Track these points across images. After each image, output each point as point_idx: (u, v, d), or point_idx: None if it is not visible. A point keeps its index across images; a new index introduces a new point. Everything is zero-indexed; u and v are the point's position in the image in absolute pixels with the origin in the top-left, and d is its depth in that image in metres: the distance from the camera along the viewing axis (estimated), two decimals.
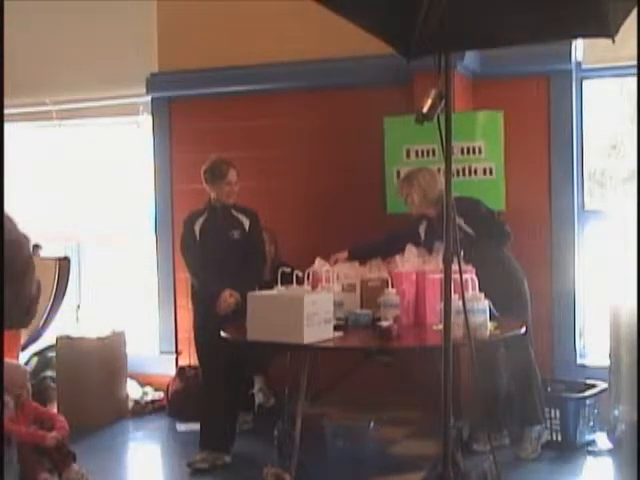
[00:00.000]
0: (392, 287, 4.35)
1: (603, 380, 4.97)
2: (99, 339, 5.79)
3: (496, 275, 4.55)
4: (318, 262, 4.68)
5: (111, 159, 6.60)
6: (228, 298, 4.71)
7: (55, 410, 5.44)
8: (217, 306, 4.70)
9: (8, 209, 4.31)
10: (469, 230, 4.59)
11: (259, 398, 5.64)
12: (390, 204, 5.37)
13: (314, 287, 4.43)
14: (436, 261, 4.34)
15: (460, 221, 4.57)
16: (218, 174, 4.84)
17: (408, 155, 5.34)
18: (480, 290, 4.02)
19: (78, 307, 6.41)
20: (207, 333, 4.69)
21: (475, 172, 5.19)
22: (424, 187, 4.72)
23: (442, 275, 3.27)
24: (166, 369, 6.15)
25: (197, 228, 4.88)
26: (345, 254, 4.87)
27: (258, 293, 4.27)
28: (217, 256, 4.79)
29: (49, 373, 5.96)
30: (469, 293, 3.87)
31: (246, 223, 4.88)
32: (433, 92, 3.08)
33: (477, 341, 3.75)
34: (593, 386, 5.03)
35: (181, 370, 5.97)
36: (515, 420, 4.88)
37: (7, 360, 4.00)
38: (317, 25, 5.22)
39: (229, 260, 4.78)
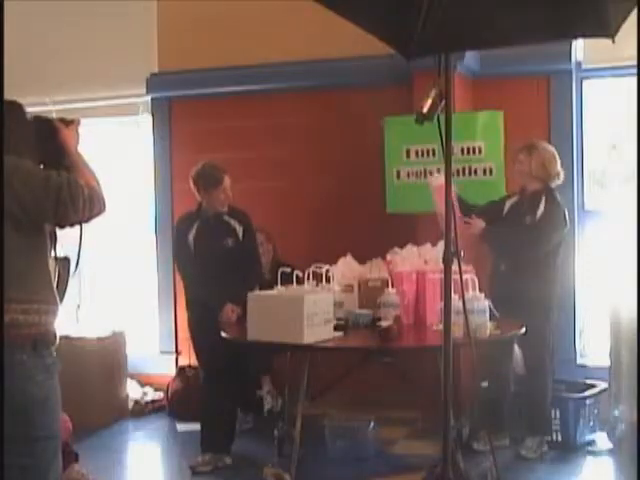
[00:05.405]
0: (392, 287, 4.35)
1: (603, 380, 4.96)
2: (99, 339, 5.78)
3: (547, 270, 4.68)
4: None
5: (111, 159, 6.59)
6: (230, 314, 4.60)
7: None
8: (218, 320, 4.58)
9: None
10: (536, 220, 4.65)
11: (267, 402, 5.56)
12: (390, 204, 5.36)
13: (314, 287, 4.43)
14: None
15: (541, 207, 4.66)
16: (213, 182, 4.61)
17: (408, 155, 5.33)
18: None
19: (78, 307, 6.40)
20: (206, 333, 4.66)
21: (475, 172, 5.18)
22: (544, 157, 4.71)
23: (442, 275, 3.27)
24: (166, 369, 6.15)
25: (191, 239, 4.70)
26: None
27: (258, 293, 4.26)
28: (213, 266, 4.64)
29: None
30: (469, 293, 3.87)
31: (239, 230, 4.71)
32: (433, 92, 3.09)
33: (477, 341, 3.76)
34: (593, 386, 5.03)
35: (181, 370, 5.96)
36: (520, 426, 4.84)
37: None
38: (317, 25, 5.22)
39: (225, 270, 4.62)
